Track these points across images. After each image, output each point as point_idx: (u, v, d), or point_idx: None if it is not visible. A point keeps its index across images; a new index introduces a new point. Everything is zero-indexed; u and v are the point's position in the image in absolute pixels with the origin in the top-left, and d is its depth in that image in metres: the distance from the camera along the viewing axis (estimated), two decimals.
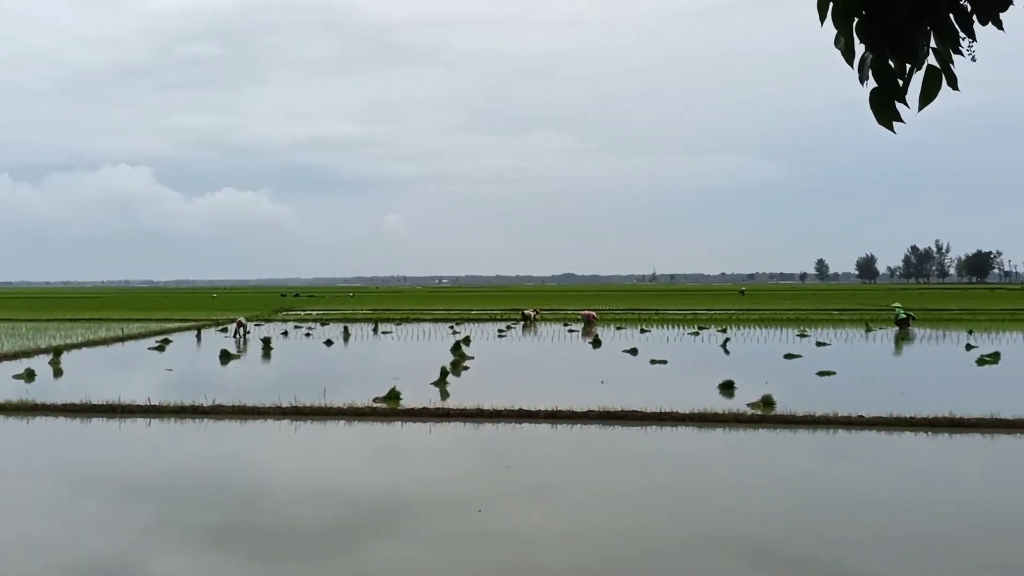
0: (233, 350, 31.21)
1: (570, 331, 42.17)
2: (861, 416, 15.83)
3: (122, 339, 37.03)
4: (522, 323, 48.34)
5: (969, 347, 30.99)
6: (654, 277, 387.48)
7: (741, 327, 43.53)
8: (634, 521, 10.20)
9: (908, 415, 15.76)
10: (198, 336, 39.39)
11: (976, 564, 8.65)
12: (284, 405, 17.54)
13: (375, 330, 43.43)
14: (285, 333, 41.35)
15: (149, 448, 15.09)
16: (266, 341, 33.56)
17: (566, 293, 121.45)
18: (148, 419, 17.07)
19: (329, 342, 35.53)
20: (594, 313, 47.89)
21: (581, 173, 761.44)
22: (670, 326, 44.83)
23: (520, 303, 70.18)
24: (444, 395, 19.74)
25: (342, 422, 16.68)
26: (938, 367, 26.54)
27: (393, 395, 18.59)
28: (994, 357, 26.63)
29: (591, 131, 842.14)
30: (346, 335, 39.44)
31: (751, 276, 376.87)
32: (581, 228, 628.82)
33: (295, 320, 53.18)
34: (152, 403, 17.91)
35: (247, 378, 24.07)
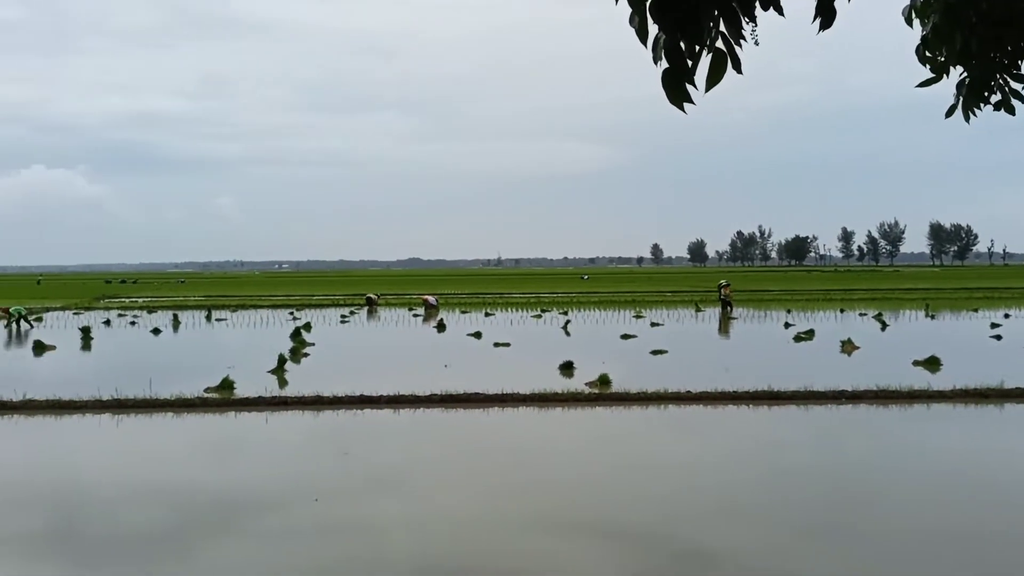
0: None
1: (415, 315, 41.95)
2: (689, 391, 16.64)
3: None
4: (366, 308, 47.62)
5: (787, 325, 33.31)
6: (499, 261, 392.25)
7: (581, 309, 44.80)
8: (478, 504, 10.24)
9: (732, 390, 16.71)
10: (9, 326, 36.21)
11: (796, 527, 9.27)
12: (105, 398, 16.39)
13: (208, 317, 41.44)
14: (107, 322, 38.72)
15: None
16: (85, 331, 31.25)
17: (411, 278, 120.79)
18: None
19: (157, 331, 33.58)
20: (432, 298, 47.46)
21: (421, 156, 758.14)
22: (514, 309, 45.50)
23: (364, 288, 69.08)
24: (282, 383, 19.09)
25: (170, 414, 15.79)
26: (759, 344, 28.36)
27: (226, 384, 17.77)
28: (809, 334, 28.74)
29: (430, 114, 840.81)
30: (176, 323, 37.45)
31: (592, 260, 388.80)
32: (425, 212, 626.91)
33: (119, 308, 49.88)
34: None
35: (64, 370, 22.34)
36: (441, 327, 34.00)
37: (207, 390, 17.50)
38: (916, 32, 4.15)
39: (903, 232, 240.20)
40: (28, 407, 16.11)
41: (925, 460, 12.31)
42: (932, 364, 20.82)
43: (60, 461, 12.86)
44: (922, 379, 18.28)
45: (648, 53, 3.07)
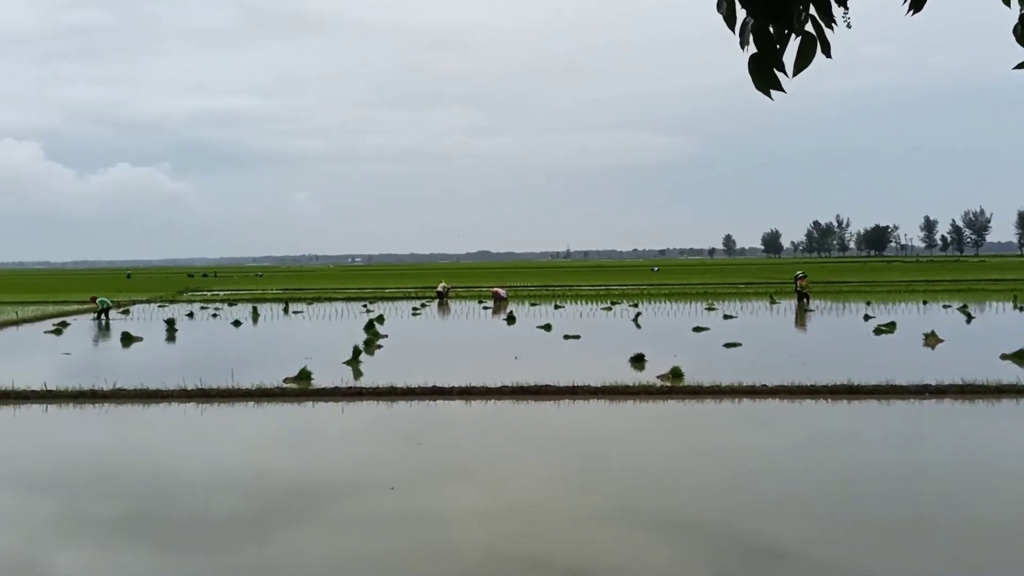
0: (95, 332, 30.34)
1: (484, 308, 42.21)
2: (764, 385, 16.33)
3: (16, 323, 35.20)
4: (437, 301, 48.11)
5: (867, 317, 32.35)
6: (568, 254, 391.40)
7: (652, 302, 44.39)
8: (548, 495, 10.28)
9: (809, 383, 16.33)
10: (99, 318, 37.77)
11: (875, 525, 9.03)
12: (189, 388, 16.99)
13: (285, 310, 42.49)
14: (190, 314, 40.07)
15: (46, 435, 14.46)
16: (170, 323, 32.43)
17: (481, 270, 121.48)
18: (44, 405, 16.30)
19: (237, 323, 34.60)
20: (501, 291, 47.60)
21: (491, 149, 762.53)
22: (583, 302, 45.34)
23: (435, 281, 69.80)
24: (357, 374, 19.47)
25: (251, 404, 16.27)
26: (838, 337, 27.63)
27: (304, 375, 18.22)
28: (890, 327, 27.86)
29: (500, 107, 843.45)
30: (255, 315, 38.49)
31: (662, 252, 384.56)
32: (494, 205, 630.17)
33: (201, 301, 51.59)
34: (48, 388, 17.09)
35: (151, 361, 23.23)
36: (511, 319, 34.12)
37: (286, 380, 17.97)
38: (1011, 12, 3.99)
39: (989, 221, 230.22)
40: (118, 396, 16.82)
41: (1013, 457, 11.84)
42: (1021, 357, 19.98)
43: (148, 448, 13.40)
44: (1011, 373, 17.56)
45: (721, 40, 3.04)
